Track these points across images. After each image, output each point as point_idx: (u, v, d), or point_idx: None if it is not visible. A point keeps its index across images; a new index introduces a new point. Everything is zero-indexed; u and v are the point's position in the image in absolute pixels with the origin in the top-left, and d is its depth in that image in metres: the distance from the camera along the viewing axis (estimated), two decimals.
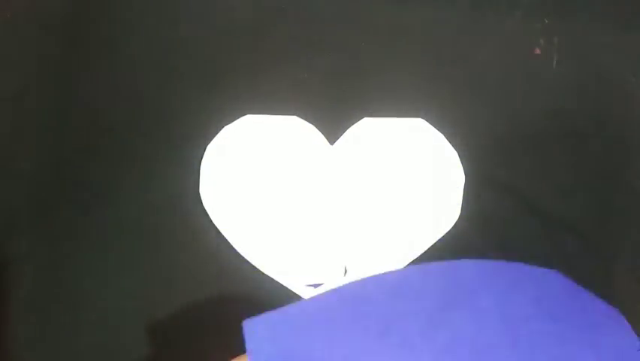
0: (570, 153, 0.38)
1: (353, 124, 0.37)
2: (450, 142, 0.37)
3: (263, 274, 0.35)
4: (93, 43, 0.39)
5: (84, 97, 0.38)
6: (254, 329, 0.24)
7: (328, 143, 0.37)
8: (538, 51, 0.39)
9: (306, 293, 0.35)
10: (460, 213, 0.36)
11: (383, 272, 0.23)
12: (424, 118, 0.37)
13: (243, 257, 0.35)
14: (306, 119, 0.37)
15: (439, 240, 0.35)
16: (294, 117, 0.37)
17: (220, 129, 0.37)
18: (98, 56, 0.39)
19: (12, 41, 0.39)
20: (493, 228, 0.36)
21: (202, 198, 0.36)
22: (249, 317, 0.26)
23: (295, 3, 0.39)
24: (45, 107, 0.38)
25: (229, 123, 0.37)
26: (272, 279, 0.35)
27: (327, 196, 0.36)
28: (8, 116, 0.38)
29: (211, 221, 0.36)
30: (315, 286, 0.35)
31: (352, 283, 0.23)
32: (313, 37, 0.39)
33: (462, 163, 0.37)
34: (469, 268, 0.22)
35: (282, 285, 0.35)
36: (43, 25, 0.39)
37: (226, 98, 0.38)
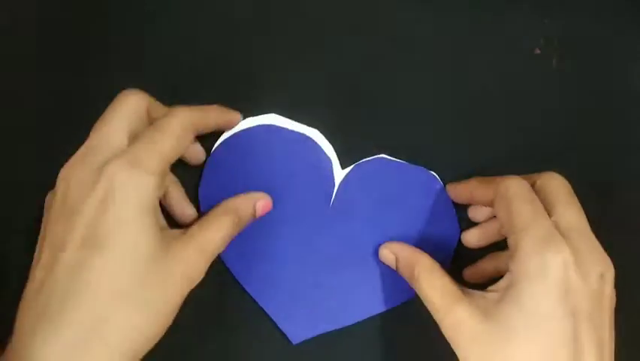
0: (570, 152, 0.38)
1: (367, 155, 0.37)
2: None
3: None
4: (94, 43, 0.39)
5: (85, 97, 0.38)
6: None
7: (339, 165, 0.37)
8: (538, 51, 0.39)
9: None
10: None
11: None
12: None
13: None
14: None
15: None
16: (316, 131, 0.37)
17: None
18: (99, 57, 0.39)
19: (13, 43, 0.39)
20: None
21: (200, 201, 0.36)
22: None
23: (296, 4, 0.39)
24: (47, 109, 0.38)
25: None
26: None
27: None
28: (9, 118, 0.38)
29: None
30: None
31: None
32: (316, 39, 0.39)
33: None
34: None
35: None
36: (44, 27, 0.39)
37: (230, 100, 0.38)
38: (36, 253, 0.28)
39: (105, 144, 0.29)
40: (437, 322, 0.29)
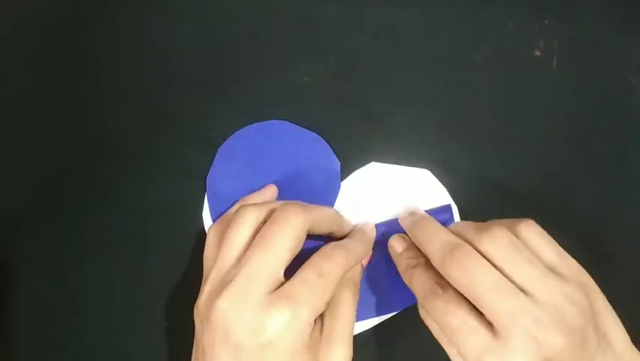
0: (570, 153, 0.38)
1: (362, 165, 0.37)
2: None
3: None
4: (95, 45, 0.39)
5: (87, 99, 0.38)
6: None
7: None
8: (538, 52, 0.39)
9: None
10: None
11: None
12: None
13: None
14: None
15: None
16: (321, 139, 0.37)
17: (225, 133, 0.38)
18: (100, 58, 0.39)
19: (14, 43, 0.39)
20: None
21: (206, 202, 0.37)
22: None
23: (296, 7, 0.39)
24: (48, 110, 0.38)
25: (235, 127, 0.38)
26: None
27: None
28: (11, 119, 0.38)
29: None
30: None
31: None
32: (316, 41, 0.39)
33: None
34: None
35: None
36: (45, 27, 0.39)
37: (230, 102, 0.38)
38: None
39: (265, 276, 0.29)
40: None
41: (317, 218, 0.32)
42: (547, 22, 0.40)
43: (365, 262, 0.35)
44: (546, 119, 0.38)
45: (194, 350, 0.30)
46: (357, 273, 0.33)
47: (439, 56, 0.39)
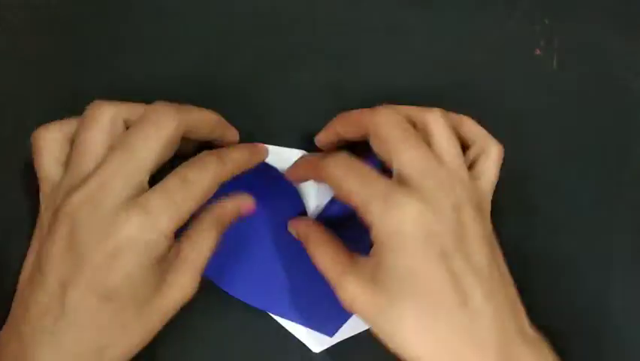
0: (570, 153, 0.38)
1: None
2: None
3: None
4: (95, 45, 0.39)
5: (87, 100, 0.38)
6: None
7: None
8: (538, 52, 0.39)
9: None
10: None
11: None
12: None
13: None
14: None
15: None
16: (302, 151, 0.36)
17: None
18: (100, 58, 0.39)
19: (15, 44, 0.39)
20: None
21: None
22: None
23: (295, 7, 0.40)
24: (48, 110, 0.38)
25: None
26: None
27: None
28: (11, 118, 0.38)
29: None
30: None
31: None
32: (316, 41, 0.39)
33: None
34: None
35: None
36: (45, 26, 0.39)
37: (230, 103, 0.38)
38: (36, 275, 0.27)
39: (122, 182, 0.26)
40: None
41: (194, 121, 0.29)
42: (547, 22, 0.40)
43: (245, 210, 0.32)
44: (546, 119, 0.38)
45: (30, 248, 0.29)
46: (227, 215, 0.31)
47: (439, 56, 0.39)
